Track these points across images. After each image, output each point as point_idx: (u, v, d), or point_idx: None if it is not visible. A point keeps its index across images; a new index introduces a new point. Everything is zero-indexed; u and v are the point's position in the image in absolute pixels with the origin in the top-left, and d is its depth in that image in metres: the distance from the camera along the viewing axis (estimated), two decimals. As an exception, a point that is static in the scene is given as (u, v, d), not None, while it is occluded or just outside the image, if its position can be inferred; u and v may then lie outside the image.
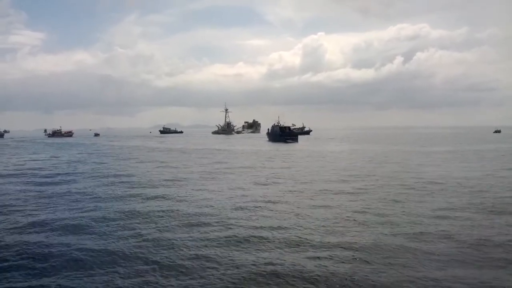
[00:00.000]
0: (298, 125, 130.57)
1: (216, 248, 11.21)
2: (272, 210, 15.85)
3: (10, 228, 13.45)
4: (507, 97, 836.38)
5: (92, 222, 14.09)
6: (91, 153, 53.49)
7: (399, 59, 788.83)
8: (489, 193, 19.03)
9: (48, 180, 25.92)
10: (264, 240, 11.85)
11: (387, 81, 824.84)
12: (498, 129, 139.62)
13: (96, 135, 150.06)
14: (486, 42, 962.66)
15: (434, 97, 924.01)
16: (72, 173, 29.66)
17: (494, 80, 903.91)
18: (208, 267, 9.87)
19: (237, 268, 9.82)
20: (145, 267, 9.98)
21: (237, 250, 11.02)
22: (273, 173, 28.20)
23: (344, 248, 11.07)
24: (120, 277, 9.39)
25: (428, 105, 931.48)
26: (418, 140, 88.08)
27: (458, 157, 40.67)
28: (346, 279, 9.11)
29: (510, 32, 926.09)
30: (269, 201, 17.70)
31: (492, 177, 24.65)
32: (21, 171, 31.14)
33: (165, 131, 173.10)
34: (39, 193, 20.61)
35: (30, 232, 12.93)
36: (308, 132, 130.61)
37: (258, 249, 11.09)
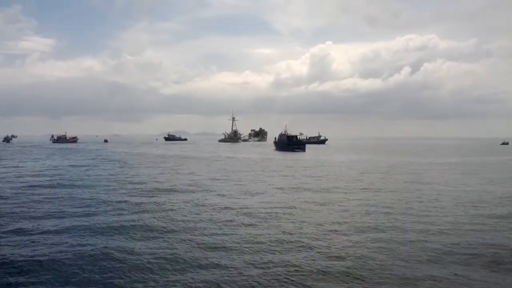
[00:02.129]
0: (312, 134, 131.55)
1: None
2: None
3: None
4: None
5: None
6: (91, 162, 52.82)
7: (406, 70, 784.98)
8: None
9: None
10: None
11: (395, 92, 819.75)
12: (506, 141, 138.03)
13: (106, 141, 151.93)
14: (495, 53, 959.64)
15: (442, 108, 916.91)
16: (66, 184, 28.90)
17: (503, 91, 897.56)
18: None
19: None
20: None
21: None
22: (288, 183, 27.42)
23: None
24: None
25: (436, 116, 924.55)
26: (429, 151, 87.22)
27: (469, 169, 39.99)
28: None
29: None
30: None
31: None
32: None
33: (169, 138, 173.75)
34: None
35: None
36: (323, 141, 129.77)
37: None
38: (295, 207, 18.71)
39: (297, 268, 10.35)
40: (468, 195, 22.50)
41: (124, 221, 15.58)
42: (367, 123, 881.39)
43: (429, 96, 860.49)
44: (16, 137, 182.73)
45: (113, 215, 16.66)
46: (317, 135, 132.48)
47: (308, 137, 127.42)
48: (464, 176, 33.66)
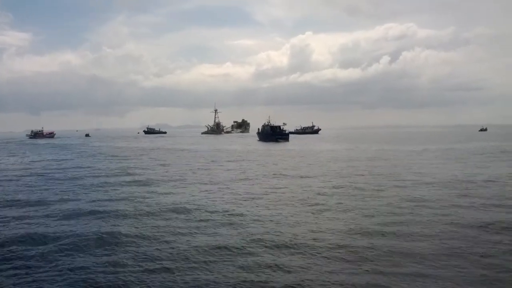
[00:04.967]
0: (306, 124, 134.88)
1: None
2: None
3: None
4: (494, 96, 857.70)
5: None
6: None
7: (385, 59, 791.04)
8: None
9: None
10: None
11: (374, 81, 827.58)
12: (485, 127, 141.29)
13: (87, 135, 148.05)
14: (473, 41, 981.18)
15: (422, 97, 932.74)
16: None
17: (481, 79, 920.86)
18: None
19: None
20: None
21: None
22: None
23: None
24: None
25: (415, 104, 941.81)
26: (409, 139, 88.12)
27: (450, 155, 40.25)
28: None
29: (497, 31, 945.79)
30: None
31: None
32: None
33: (149, 131, 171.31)
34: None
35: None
36: (317, 131, 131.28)
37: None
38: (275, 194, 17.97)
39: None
40: (447, 178, 22.62)
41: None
42: (348, 113, 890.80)
43: (408, 84, 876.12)
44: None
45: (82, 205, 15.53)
46: (311, 125, 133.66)
47: (302, 127, 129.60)
48: (443, 161, 33.75)
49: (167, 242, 11.29)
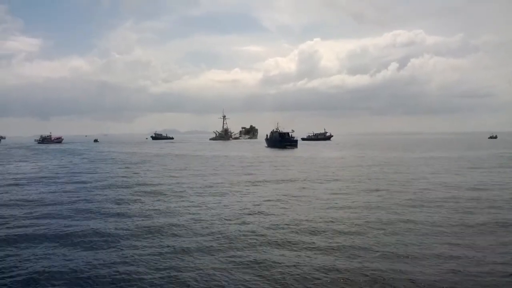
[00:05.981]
0: (318, 130, 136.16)
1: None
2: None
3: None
4: (503, 103, 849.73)
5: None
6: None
7: (394, 65, 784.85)
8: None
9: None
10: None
11: (383, 87, 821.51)
12: (495, 135, 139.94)
13: (96, 141, 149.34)
14: (481, 48, 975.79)
15: (430, 103, 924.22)
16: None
17: (490, 86, 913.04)
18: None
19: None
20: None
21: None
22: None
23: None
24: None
25: (424, 111, 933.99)
26: (417, 146, 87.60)
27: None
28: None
29: (505, 39, 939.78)
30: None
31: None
32: None
33: (157, 137, 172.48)
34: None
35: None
36: (329, 138, 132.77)
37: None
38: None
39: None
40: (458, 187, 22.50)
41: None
42: (355, 119, 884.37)
43: (417, 91, 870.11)
44: (4, 138, 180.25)
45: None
46: (323, 131, 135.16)
47: (314, 134, 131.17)
48: (456, 169, 33.47)
49: (185, 239, 11.41)
